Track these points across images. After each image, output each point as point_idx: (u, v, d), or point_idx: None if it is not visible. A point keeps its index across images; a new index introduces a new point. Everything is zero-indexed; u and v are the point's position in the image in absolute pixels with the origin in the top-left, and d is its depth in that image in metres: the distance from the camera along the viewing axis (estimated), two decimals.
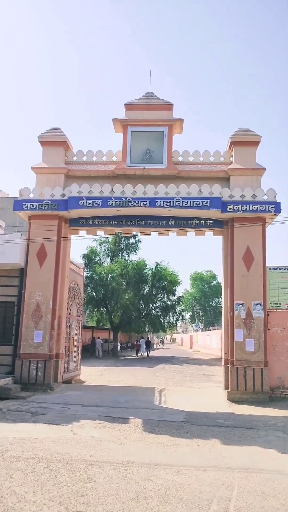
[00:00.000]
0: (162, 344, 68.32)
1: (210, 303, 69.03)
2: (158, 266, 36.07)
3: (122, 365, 26.77)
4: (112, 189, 13.57)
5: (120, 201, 13.35)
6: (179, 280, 36.48)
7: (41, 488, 5.30)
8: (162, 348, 62.38)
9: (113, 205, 13.37)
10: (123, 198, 13.38)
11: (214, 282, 69.26)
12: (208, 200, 13.17)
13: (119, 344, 39.14)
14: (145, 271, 35.30)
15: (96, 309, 35.75)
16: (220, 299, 69.09)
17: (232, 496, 5.23)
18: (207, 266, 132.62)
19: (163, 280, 35.14)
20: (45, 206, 13.62)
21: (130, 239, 36.38)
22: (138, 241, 36.74)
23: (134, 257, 37.77)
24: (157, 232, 14.49)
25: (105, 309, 35.47)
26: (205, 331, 59.36)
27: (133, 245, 36.63)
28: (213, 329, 51.72)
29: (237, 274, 13.21)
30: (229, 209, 13.17)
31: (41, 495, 5.09)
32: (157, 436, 8.16)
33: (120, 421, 9.41)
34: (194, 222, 13.96)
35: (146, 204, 13.31)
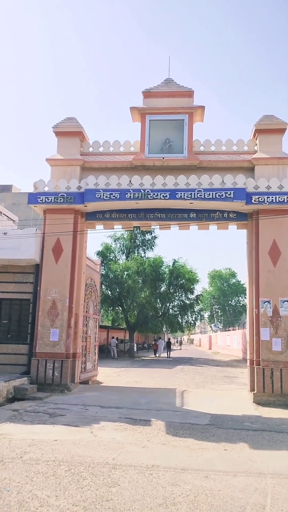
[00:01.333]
0: (180, 344, 67.51)
1: (230, 302, 67.71)
2: (176, 263, 35.27)
3: (139, 366, 26.20)
4: (130, 181, 12.96)
5: (138, 193, 12.73)
6: (197, 278, 35.62)
7: (63, 492, 5.08)
8: (180, 349, 61.65)
9: (132, 197, 12.76)
10: (141, 190, 12.76)
11: (234, 280, 67.90)
12: (232, 192, 12.45)
13: (135, 344, 38.54)
14: (162, 268, 34.53)
15: (111, 308, 35.19)
16: (240, 298, 67.94)
17: (267, 503, 4.94)
18: (226, 264, 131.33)
19: (181, 278, 34.32)
20: (60, 199, 13.09)
21: (146, 235, 35.70)
22: (155, 237, 36.06)
23: (150, 254, 37.15)
24: (177, 226, 13.83)
25: (120, 308, 34.89)
26: (224, 331, 58.34)
27: (149, 242, 35.93)
28: (233, 329, 50.70)
29: (262, 270, 12.46)
30: (254, 200, 12.44)
31: (64, 499, 4.87)
32: (182, 440, 7.81)
33: (141, 423, 9.03)
34: (216, 215, 13.25)
35: (166, 196, 12.66)
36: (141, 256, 35.42)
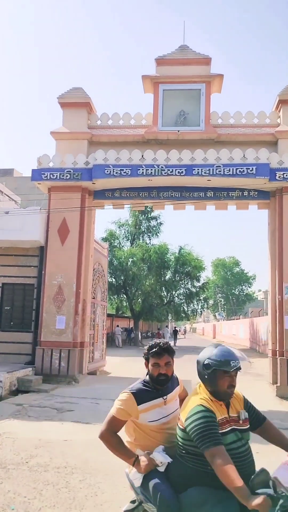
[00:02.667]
0: (184, 333, 66.98)
1: (233, 291, 66.88)
2: (182, 250, 34.25)
3: None
4: (142, 156, 11.90)
5: (152, 169, 11.68)
6: (204, 266, 34.62)
7: (80, 511, 4.19)
8: (184, 337, 60.98)
9: (144, 173, 11.71)
10: (155, 165, 11.70)
11: (237, 269, 66.94)
12: (254, 167, 11.39)
13: (139, 333, 37.73)
14: (167, 255, 33.53)
15: (115, 296, 34.28)
16: (243, 287, 67.09)
17: None
18: (230, 252, 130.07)
19: (187, 265, 33.31)
20: (66, 176, 12.04)
21: (151, 222, 34.65)
22: (160, 223, 34.94)
23: (155, 241, 36.11)
24: (193, 205, 12.78)
25: (125, 296, 34.00)
26: (228, 320, 57.57)
27: (154, 228, 34.83)
28: (237, 318, 49.89)
29: (286, 252, 11.46)
30: (279, 177, 11.38)
31: None
32: None
33: None
34: (236, 194, 12.20)
35: (182, 172, 11.61)
36: (146, 243, 34.39)
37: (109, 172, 11.81)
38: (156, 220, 34.72)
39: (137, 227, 34.49)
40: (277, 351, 11.26)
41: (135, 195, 12.58)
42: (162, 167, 11.65)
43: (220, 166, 11.49)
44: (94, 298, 13.91)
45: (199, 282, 34.97)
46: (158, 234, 34.96)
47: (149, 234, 35.00)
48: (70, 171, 12.04)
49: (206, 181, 11.77)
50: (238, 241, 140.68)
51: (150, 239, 35.08)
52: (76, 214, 12.28)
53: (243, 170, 11.40)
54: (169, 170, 11.63)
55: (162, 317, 36.13)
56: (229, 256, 69.53)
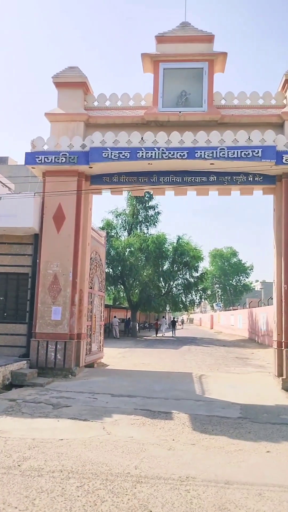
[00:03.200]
0: (182, 323, 66.84)
1: (230, 281, 66.61)
2: (180, 239, 33.69)
3: (144, 346, 24.93)
4: (142, 138, 11.30)
5: (152, 152, 11.09)
6: (202, 256, 34.11)
7: None
8: (182, 328, 60.78)
9: (144, 157, 11.11)
10: (155, 148, 11.10)
11: (235, 260, 66.65)
12: (260, 150, 10.81)
13: (137, 324, 37.28)
14: (165, 245, 32.99)
15: (113, 287, 33.77)
16: (240, 277, 66.82)
17: None
18: (227, 243, 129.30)
19: (185, 255, 32.79)
20: (62, 159, 11.43)
21: (149, 211, 34.05)
22: (158, 213, 34.35)
23: (153, 231, 35.54)
24: (195, 191, 12.21)
25: (122, 287, 33.49)
26: (225, 311, 57.27)
27: (152, 218, 34.23)
28: (234, 309, 49.55)
29: None
30: (285, 160, 10.82)
31: None
32: (213, 438, 6.47)
33: (161, 416, 7.70)
34: (240, 178, 11.63)
35: (184, 155, 11.02)
36: (144, 233, 33.80)
37: (107, 155, 11.20)
38: (154, 209, 34.19)
39: (134, 216, 33.90)
40: (283, 343, 10.79)
41: (134, 180, 11.99)
42: (163, 150, 11.06)
43: (224, 149, 10.91)
44: (91, 288, 13.38)
45: (197, 272, 34.51)
46: (156, 223, 34.44)
47: (147, 223, 34.44)
48: (65, 154, 11.42)
49: (209, 164, 11.20)
50: (236, 231, 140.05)
51: (147, 229, 34.59)
52: (72, 199, 11.69)
53: (248, 153, 10.83)
54: (170, 153, 11.04)
55: (159, 307, 35.67)
56: (227, 247, 69.28)
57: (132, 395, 9.28)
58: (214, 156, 10.91)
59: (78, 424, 6.98)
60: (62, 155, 11.42)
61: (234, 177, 11.63)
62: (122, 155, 11.16)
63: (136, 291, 33.23)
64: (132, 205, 33.60)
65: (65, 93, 12.18)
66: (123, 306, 39.18)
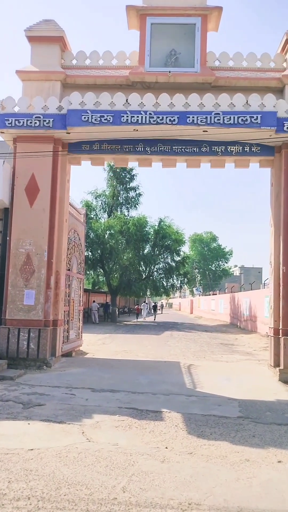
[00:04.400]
0: (161, 308, 66.29)
1: (210, 266, 66.18)
2: (162, 222, 32.54)
3: (124, 332, 23.89)
4: (126, 100, 10.01)
5: (138, 116, 9.81)
6: (184, 239, 33.11)
7: None
8: (161, 313, 60.22)
9: (129, 121, 9.83)
10: (142, 112, 9.83)
11: (214, 245, 66.17)
12: (259, 116, 9.68)
13: (117, 308, 36.20)
14: (146, 228, 31.81)
15: (92, 271, 32.47)
16: (220, 262, 66.44)
17: None
18: (207, 227, 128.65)
19: (167, 239, 31.70)
20: (35, 123, 10.04)
21: (130, 192, 32.66)
22: (139, 194, 32.99)
23: (134, 213, 34.21)
24: (185, 162, 11.03)
25: (102, 271, 32.25)
26: (205, 295, 56.80)
27: (133, 199, 32.86)
28: (214, 294, 49.02)
29: None
30: (287, 128, 9.72)
31: None
32: (212, 444, 5.46)
33: (150, 416, 6.64)
34: (235, 148, 10.50)
35: (174, 120, 9.79)
36: (124, 215, 32.46)
37: (86, 118, 9.86)
38: (135, 190, 32.84)
39: (115, 198, 32.52)
40: (280, 330, 9.85)
41: (117, 148, 10.71)
42: (150, 114, 9.79)
43: (219, 114, 9.72)
44: (69, 270, 12.13)
45: (179, 256, 33.51)
46: (137, 205, 33.15)
47: (128, 205, 33.11)
48: (39, 117, 10.03)
49: (202, 132, 10.00)
50: (216, 217, 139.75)
51: (128, 211, 33.28)
52: (48, 169, 10.35)
53: (246, 119, 9.68)
54: (158, 117, 9.79)
55: (140, 292, 34.61)
56: (207, 231, 68.64)
57: (115, 389, 8.19)
58: (208, 122, 9.72)
59: (53, 428, 5.87)
60: (36, 118, 10.02)
61: (229, 147, 10.50)
62: (104, 119, 9.85)
63: (116, 275, 32.08)
64: (112, 186, 32.17)
65: (40, 49, 10.70)
66: (102, 290, 37.99)
